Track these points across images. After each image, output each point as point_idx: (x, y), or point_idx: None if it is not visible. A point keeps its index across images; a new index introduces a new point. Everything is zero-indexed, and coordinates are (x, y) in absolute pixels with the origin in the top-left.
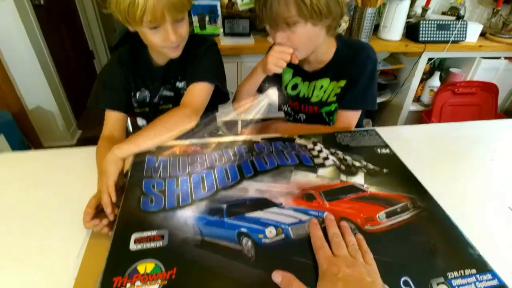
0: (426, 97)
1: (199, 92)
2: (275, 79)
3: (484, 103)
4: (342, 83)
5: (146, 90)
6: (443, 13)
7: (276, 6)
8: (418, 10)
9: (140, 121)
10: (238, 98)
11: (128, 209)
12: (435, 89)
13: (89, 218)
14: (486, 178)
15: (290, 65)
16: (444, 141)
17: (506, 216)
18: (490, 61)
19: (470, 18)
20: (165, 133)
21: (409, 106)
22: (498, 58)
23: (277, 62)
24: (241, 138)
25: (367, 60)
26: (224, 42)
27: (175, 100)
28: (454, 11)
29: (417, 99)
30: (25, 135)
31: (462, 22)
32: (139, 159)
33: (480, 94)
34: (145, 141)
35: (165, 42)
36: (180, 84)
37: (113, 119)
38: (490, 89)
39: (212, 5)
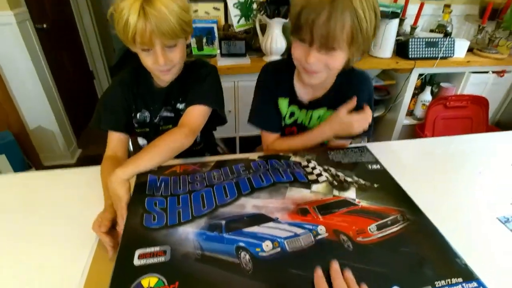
0: (419, 111)
1: (197, 114)
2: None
3: (475, 115)
4: None
5: (147, 111)
6: (431, 31)
7: (333, 25)
8: (407, 28)
9: (141, 141)
10: (276, 149)
11: (131, 226)
12: (427, 103)
13: (105, 230)
14: (474, 191)
15: (286, 94)
16: (434, 156)
17: (494, 227)
18: (478, 76)
19: (458, 35)
20: (165, 153)
21: (403, 120)
22: (486, 72)
23: (365, 127)
24: (238, 156)
25: (364, 88)
26: (221, 62)
27: (175, 121)
28: (442, 29)
29: (410, 113)
30: (26, 154)
31: (450, 39)
32: (142, 178)
33: (471, 107)
34: (147, 161)
35: (154, 65)
36: (180, 106)
37: (115, 140)
38: (480, 102)
39: (209, 28)
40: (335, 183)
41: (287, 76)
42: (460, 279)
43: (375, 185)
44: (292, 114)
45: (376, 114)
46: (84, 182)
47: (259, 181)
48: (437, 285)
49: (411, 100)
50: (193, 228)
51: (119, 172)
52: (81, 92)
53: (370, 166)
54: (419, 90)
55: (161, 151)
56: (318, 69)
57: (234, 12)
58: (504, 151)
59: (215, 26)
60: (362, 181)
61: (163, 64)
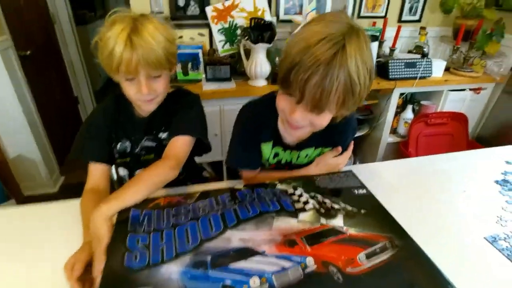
0: (401, 129)
1: (181, 145)
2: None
3: (456, 132)
4: (327, 149)
5: (127, 140)
6: (409, 52)
7: (326, 89)
8: (386, 50)
9: (122, 171)
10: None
11: (112, 267)
12: (409, 121)
13: (78, 274)
14: (460, 210)
15: (269, 138)
16: (417, 176)
17: (482, 247)
18: (456, 93)
19: (434, 55)
20: (150, 187)
21: (387, 138)
22: (464, 90)
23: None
24: (223, 185)
25: (349, 128)
26: (207, 87)
27: (158, 150)
28: (419, 50)
29: (393, 131)
30: (5, 183)
31: (427, 60)
32: (124, 214)
33: (451, 124)
34: (132, 196)
35: (137, 94)
36: (163, 135)
37: (97, 172)
38: (460, 118)
39: (195, 53)
40: (322, 210)
41: (270, 120)
42: None
43: (362, 211)
44: (276, 155)
45: (361, 133)
46: (66, 216)
47: (245, 211)
48: None
49: (393, 119)
50: (177, 266)
51: (103, 208)
52: (65, 118)
53: (356, 191)
54: (400, 108)
55: (146, 185)
56: (302, 125)
57: (218, 38)
58: (486, 168)
59: (200, 51)
60: (349, 207)
61: (146, 94)
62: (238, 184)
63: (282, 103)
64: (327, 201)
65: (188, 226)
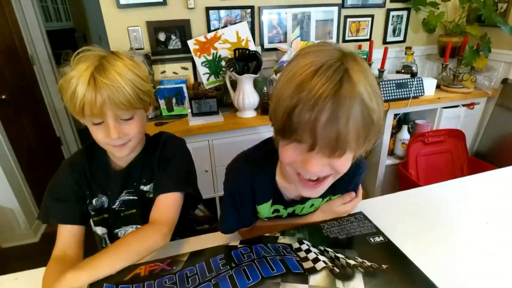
0: (399, 150)
1: (171, 205)
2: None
3: (454, 149)
4: (335, 197)
5: (104, 195)
6: (398, 72)
7: (342, 124)
8: (375, 71)
9: (100, 230)
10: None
11: None
12: (406, 142)
13: None
14: (485, 246)
15: (268, 198)
16: (428, 208)
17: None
18: (450, 110)
19: (422, 73)
20: (133, 255)
21: (385, 160)
22: (457, 106)
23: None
24: (215, 243)
25: (360, 172)
26: (193, 122)
27: (140, 204)
28: (407, 69)
29: (391, 152)
30: None
31: (418, 79)
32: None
33: (449, 141)
34: (107, 267)
35: (106, 139)
36: (145, 188)
37: (65, 235)
38: (456, 135)
39: (178, 87)
40: (336, 270)
41: (267, 178)
42: None
43: (384, 266)
44: (276, 211)
45: None
46: None
47: (243, 279)
48: None
49: (390, 140)
50: None
51: (68, 277)
52: (47, 161)
53: (372, 239)
54: (396, 129)
55: (127, 253)
56: (323, 176)
57: (203, 70)
58: (504, 192)
59: (184, 85)
60: (367, 263)
61: (115, 138)
62: (233, 241)
63: (290, 154)
64: (340, 256)
65: None
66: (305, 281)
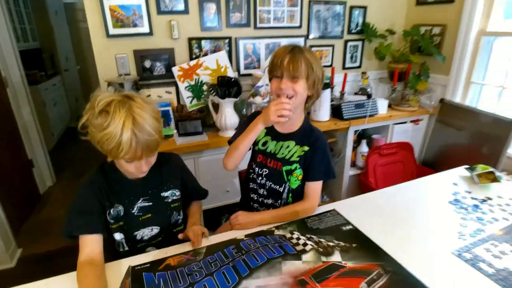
0: (360, 162)
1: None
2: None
3: (405, 159)
4: (306, 148)
5: (120, 205)
6: (355, 93)
7: (294, 63)
8: (336, 94)
9: (118, 236)
10: (233, 154)
11: None
12: (365, 154)
13: None
14: (427, 232)
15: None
16: (384, 206)
17: (451, 260)
18: (400, 126)
19: (375, 95)
20: None
21: (349, 171)
22: (405, 122)
23: (279, 112)
24: (225, 237)
25: (320, 137)
26: (180, 142)
27: (155, 209)
28: (364, 91)
29: (353, 164)
30: None
31: (373, 100)
32: (137, 278)
33: (401, 153)
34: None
35: (137, 170)
36: (165, 194)
37: (90, 243)
38: (406, 147)
39: (165, 110)
40: (321, 249)
41: None
42: None
43: (354, 245)
44: (265, 143)
45: None
46: None
47: (253, 260)
48: None
49: (352, 153)
50: None
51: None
52: (19, 185)
53: (344, 228)
54: (356, 143)
55: None
56: (289, 93)
57: (186, 94)
58: (440, 192)
59: (170, 108)
60: (342, 244)
61: (146, 171)
62: (239, 235)
63: (273, 85)
64: (322, 240)
65: (205, 282)
66: (299, 259)
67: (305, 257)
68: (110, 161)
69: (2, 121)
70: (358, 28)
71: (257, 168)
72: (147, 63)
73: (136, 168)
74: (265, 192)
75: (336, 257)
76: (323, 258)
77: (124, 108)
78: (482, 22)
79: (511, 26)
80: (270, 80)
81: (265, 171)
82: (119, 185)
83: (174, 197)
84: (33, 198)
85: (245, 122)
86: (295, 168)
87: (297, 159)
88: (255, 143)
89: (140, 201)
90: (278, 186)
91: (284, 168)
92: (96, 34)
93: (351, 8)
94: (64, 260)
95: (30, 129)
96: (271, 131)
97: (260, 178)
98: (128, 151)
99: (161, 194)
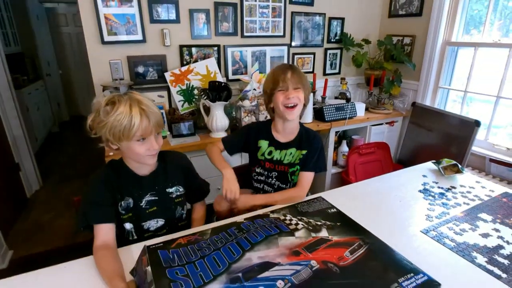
0: (341, 161)
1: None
2: (252, 148)
3: (382, 158)
4: (304, 151)
5: (130, 198)
6: (336, 98)
7: (295, 76)
8: (318, 98)
9: (128, 226)
10: (209, 156)
11: None
12: (346, 153)
13: None
14: (400, 214)
15: (266, 138)
16: (363, 195)
17: (420, 237)
18: (377, 127)
19: (354, 99)
20: None
21: (331, 169)
22: (382, 124)
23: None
24: (227, 221)
25: (317, 141)
26: (173, 143)
27: (160, 202)
28: (343, 96)
29: (335, 163)
30: None
31: (351, 103)
32: (154, 255)
33: (378, 152)
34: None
35: (148, 151)
36: (170, 189)
37: (104, 230)
38: (383, 147)
39: None
40: (310, 227)
41: (267, 127)
42: (412, 274)
43: (338, 224)
44: (270, 153)
45: None
46: None
47: (254, 237)
48: (400, 281)
49: (333, 153)
50: (218, 285)
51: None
52: (5, 190)
53: (329, 211)
54: (337, 144)
55: None
56: (295, 102)
57: (178, 98)
58: (412, 182)
59: (162, 111)
60: (328, 223)
61: (157, 148)
62: (239, 219)
63: (280, 97)
64: (311, 220)
65: (214, 255)
66: (293, 235)
67: (297, 233)
68: (119, 158)
69: None
70: (337, 37)
71: (265, 172)
72: (140, 69)
73: (147, 149)
74: (272, 191)
75: (324, 233)
76: (313, 234)
77: (127, 96)
78: (447, 33)
79: (470, 38)
80: (270, 95)
81: (275, 174)
82: (129, 180)
83: (178, 193)
84: (20, 202)
85: (242, 131)
86: (297, 169)
87: (298, 161)
88: (261, 154)
89: (148, 195)
90: (285, 185)
91: (290, 170)
92: (91, 40)
93: (330, 19)
94: (56, 262)
95: (16, 133)
96: (273, 142)
97: (270, 179)
98: (139, 126)
99: (166, 189)
